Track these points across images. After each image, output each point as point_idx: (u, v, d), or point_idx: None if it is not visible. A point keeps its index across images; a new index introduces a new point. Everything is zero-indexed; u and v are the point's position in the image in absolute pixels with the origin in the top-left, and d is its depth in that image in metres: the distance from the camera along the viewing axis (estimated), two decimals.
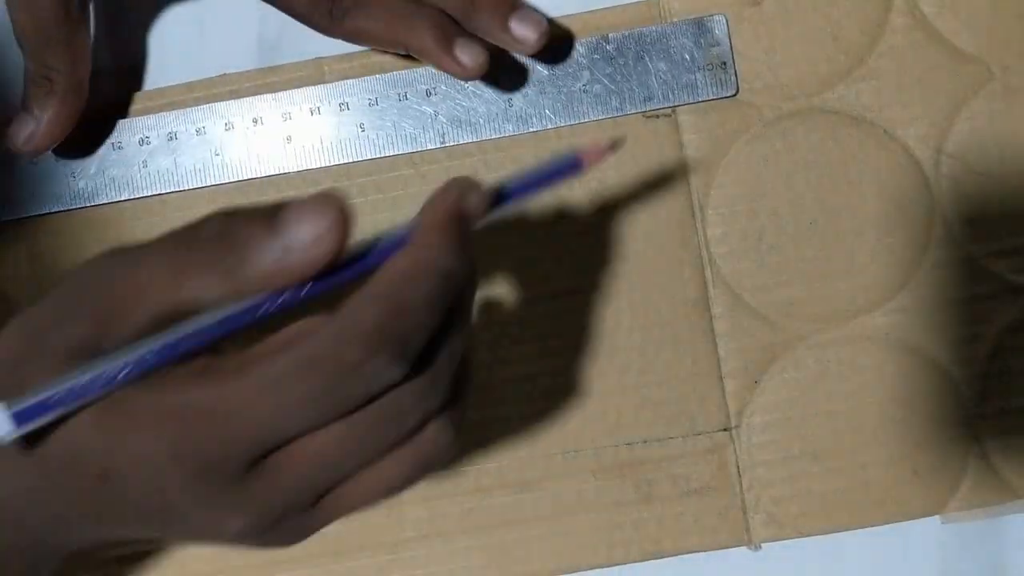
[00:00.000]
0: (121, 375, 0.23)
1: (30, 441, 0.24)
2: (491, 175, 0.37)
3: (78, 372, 0.23)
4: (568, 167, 0.27)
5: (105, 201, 0.37)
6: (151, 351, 0.24)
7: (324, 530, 0.38)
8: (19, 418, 0.23)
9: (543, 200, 0.37)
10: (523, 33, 0.34)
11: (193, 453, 0.23)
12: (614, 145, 0.28)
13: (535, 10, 0.35)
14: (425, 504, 0.37)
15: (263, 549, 0.26)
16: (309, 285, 0.24)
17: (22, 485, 0.25)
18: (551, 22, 0.37)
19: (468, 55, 0.34)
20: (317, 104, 0.37)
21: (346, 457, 0.24)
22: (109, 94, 0.38)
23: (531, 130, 0.37)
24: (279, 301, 0.24)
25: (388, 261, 0.24)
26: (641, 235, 0.37)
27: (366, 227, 0.37)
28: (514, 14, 0.34)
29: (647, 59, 0.37)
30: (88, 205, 0.37)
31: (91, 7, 0.36)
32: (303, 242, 0.23)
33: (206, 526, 0.24)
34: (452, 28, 0.34)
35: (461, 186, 0.25)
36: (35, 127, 0.35)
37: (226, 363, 0.23)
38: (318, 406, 0.23)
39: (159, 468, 0.23)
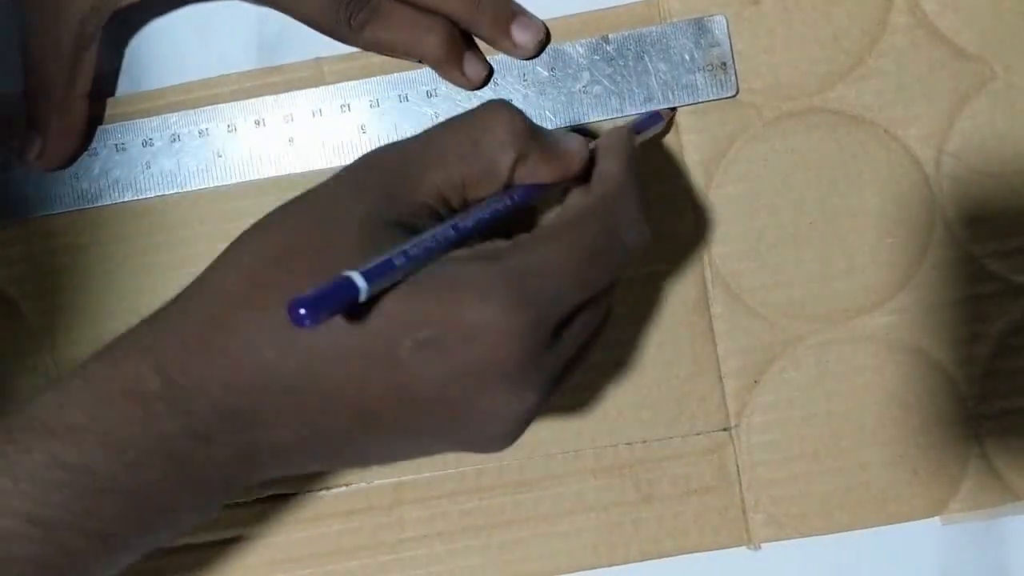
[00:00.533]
0: (438, 245, 0.26)
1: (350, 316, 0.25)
2: None
3: (394, 245, 0.25)
4: (653, 118, 0.36)
5: (108, 202, 0.38)
6: (456, 225, 0.27)
7: (324, 530, 0.38)
8: (365, 277, 0.24)
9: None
10: (523, 39, 0.36)
11: (525, 308, 0.26)
12: (674, 110, 0.37)
13: (534, 17, 0.37)
14: (425, 504, 0.38)
15: (499, 448, 0.29)
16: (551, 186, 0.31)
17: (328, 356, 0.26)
18: (549, 25, 0.37)
19: (474, 69, 0.36)
20: (319, 106, 0.37)
21: (590, 334, 0.29)
22: (110, 95, 0.38)
23: None
24: (534, 194, 0.30)
25: (608, 167, 0.31)
26: None
27: None
28: (515, 21, 0.36)
29: (647, 60, 0.37)
30: (91, 206, 0.38)
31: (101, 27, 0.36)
32: (573, 151, 0.30)
33: (499, 406, 0.27)
34: (461, 41, 0.36)
35: (629, 128, 0.33)
36: (42, 144, 0.36)
37: (532, 234, 0.28)
38: (611, 261, 0.28)
39: (491, 326, 0.25)
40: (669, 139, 0.37)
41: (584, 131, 0.37)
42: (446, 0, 0.35)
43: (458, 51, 0.36)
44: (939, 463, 0.37)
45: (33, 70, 0.35)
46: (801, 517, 0.37)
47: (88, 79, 0.36)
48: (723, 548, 0.37)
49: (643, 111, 0.37)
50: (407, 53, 0.36)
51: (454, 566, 0.38)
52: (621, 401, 0.37)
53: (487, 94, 0.37)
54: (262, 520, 0.38)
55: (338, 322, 0.25)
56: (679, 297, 0.37)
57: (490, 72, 0.37)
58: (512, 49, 0.36)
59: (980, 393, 0.37)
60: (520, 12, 0.36)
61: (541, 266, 0.26)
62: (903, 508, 0.37)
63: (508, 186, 0.30)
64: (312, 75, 0.38)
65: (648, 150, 0.37)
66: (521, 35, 0.36)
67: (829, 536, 0.37)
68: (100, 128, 0.38)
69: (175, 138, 0.38)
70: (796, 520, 0.37)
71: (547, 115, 0.37)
